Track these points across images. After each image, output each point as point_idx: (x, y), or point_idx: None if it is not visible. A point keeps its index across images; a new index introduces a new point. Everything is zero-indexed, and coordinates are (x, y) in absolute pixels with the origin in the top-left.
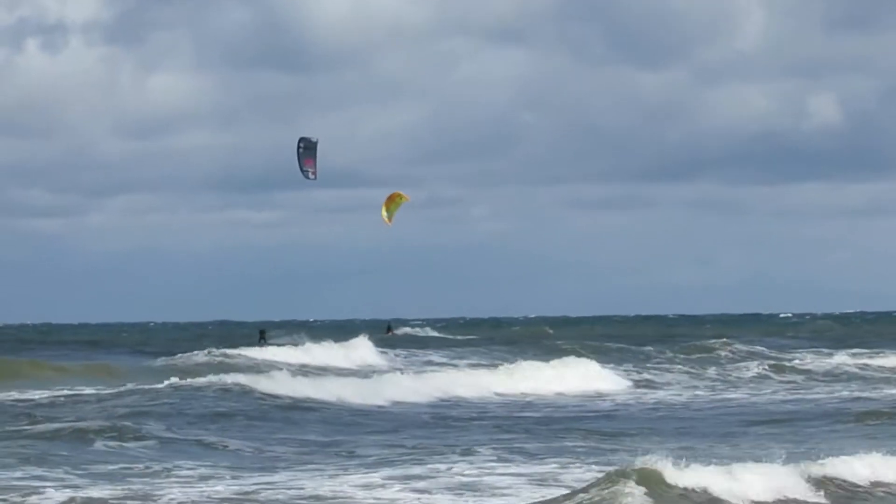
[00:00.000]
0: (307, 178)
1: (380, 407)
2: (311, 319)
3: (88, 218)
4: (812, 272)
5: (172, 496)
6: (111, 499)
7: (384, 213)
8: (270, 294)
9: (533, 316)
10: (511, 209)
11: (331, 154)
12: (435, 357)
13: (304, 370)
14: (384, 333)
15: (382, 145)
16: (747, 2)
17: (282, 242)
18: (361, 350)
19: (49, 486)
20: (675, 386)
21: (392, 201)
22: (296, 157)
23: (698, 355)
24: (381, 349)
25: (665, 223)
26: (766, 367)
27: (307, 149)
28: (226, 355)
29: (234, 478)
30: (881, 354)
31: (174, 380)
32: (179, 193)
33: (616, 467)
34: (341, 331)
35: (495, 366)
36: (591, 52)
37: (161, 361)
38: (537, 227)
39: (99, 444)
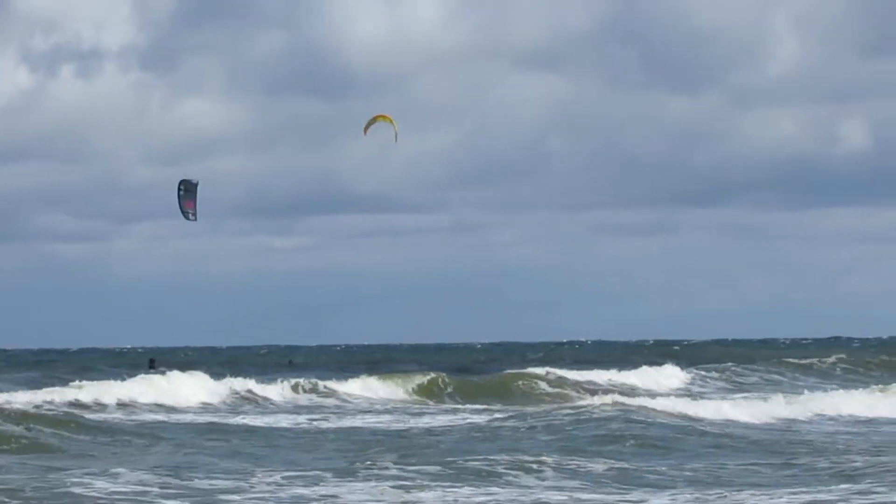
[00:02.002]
0: (187, 219)
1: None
2: (341, 345)
3: (115, 244)
4: (840, 297)
5: None
6: None
7: (365, 124)
8: (297, 319)
9: (563, 341)
10: (538, 235)
11: (360, 180)
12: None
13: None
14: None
15: (412, 170)
16: (780, 27)
17: (310, 268)
18: (669, 372)
19: None
20: None
21: (380, 117)
22: (177, 199)
23: None
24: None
25: (693, 248)
26: None
27: (188, 191)
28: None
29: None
30: None
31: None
32: (208, 219)
33: None
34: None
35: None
36: (623, 77)
37: (476, 379)
38: (564, 252)
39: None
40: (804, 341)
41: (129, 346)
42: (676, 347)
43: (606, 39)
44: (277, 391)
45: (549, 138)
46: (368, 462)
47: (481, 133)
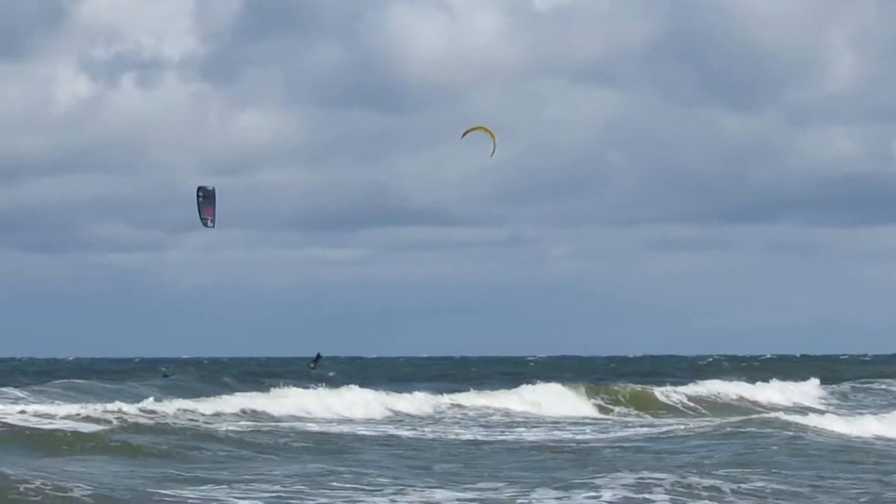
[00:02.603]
0: (206, 225)
1: None
2: (400, 357)
3: (170, 254)
4: (894, 314)
5: None
6: None
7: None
8: (349, 331)
9: (613, 355)
10: (592, 249)
11: (414, 193)
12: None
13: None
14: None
15: (466, 184)
16: (836, 44)
17: (362, 280)
18: (807, 389)
19: None
20: None
21: (481, 128)
22: (196, 206)
23: None
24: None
25: (745, 264)
26: None
27: (206, 198)
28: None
29: None
30: None
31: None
32: (262, 230)
33: None
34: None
35: None
36: (680, 93)
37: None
38: (617, 267)
39: None
40: (864, 357)
41: (187, 356)
42: (756, 363)
43: (662, 56)
44: (424, 403)
45: (604, 154)
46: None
47: (537, 148)
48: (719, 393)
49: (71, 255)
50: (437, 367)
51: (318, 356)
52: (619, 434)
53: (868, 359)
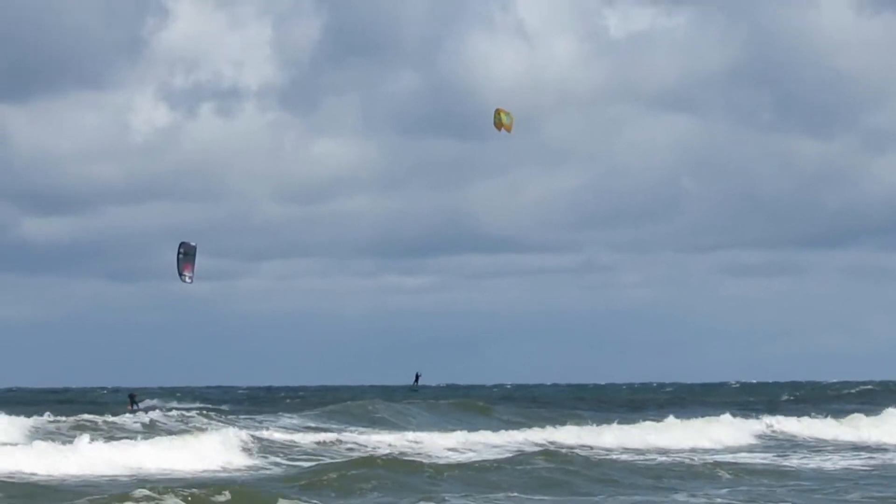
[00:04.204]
0: (184, 281)
1: None
2: (489, 384)
3: (244, 282)
4: None
5: None
6: None
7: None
8: (424, 358)
9: (684, 382)
10: (667, 275)
11: (490, 220)
12: None
13: None
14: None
15: (542, 211)
16: None
17: (436, 308)
18: None
19: None
20: None
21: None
22: (176, 261)
23: None
24: None
25: (820, 290)
26: None
27: (186, 254)
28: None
29: None
30: None
31: None
32: (337, 258)
33: None
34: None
35: None
36: (756, 119)
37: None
38: (692, 293)
39: None
40: None
41: (263, 384)
42: (854, 391)
43: (738, 81)
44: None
45: (679, 179)
46: None
47: (612, 174)
48: None
49: (147, 284)
50: (562, 393)
51: (418, 375)
52: None
53: None
